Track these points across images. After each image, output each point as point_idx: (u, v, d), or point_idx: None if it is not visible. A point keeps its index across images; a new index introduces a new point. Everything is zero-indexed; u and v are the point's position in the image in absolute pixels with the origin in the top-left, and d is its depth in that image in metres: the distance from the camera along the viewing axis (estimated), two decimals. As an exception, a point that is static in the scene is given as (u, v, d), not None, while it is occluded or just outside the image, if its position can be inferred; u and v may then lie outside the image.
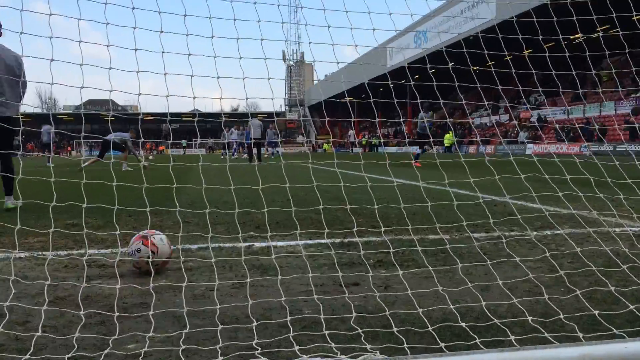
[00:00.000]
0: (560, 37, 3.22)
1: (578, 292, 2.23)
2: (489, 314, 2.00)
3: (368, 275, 2.50)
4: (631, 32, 3.34)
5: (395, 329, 1.87)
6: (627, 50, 3.30)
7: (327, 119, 3.22)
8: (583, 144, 24.13)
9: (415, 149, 15.66)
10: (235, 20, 2.71)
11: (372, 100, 2.88)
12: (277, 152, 28.48)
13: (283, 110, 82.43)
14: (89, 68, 2.44)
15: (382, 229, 3.37)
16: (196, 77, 2.59)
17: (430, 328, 1.87)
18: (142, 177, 2.57)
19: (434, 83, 3.04)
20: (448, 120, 4.74)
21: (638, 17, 3.30)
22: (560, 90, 3.54)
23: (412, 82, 2.93)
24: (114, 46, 2.47)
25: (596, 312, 1.99)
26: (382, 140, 51.73)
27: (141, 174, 2.66)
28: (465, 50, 3.30)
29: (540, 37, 3.20)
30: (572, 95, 32.74)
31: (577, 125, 4.46)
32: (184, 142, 61.64)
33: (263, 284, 2.58)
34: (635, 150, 22.92)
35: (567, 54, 3.21)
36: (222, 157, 28.74)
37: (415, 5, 3.42)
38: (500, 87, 2.97)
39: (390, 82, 3.10)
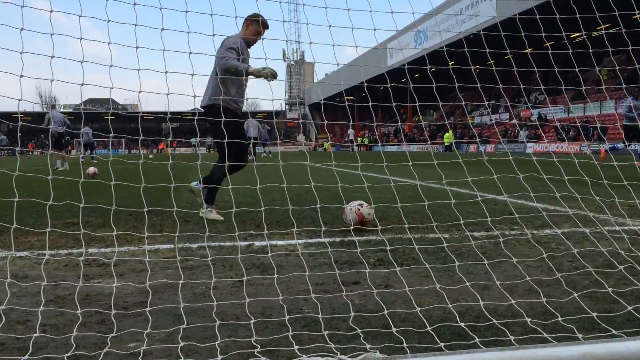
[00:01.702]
0: (564, 34, 3.21)
1: (575, 294, 2.23)
2: (489, 313, 2.00)
3: (368, 274, 2.50)
4: (633, 30, 3.32)
5: (395, 328, 1.87)
6: (630, 48, 3.29)
7: (325, 122, 3.22)
8: (583, 143, 24.08)
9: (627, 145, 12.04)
10: (236, 17, 2.71)
11: (370, 103, 2.87)
12: (269, 150, 28.43)
13: (283, 109, 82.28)
14: (90, 67, 2.44)
15: (380, 228, 3.37)
16: (197, 76, 2.59)
17: (429, 327, 1.87)
18: (141, 176, 2.57)
19: (434, 85, 3.04)
20: (447, 121, 4.74)
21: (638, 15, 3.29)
22: (563, 87, 3.52)
23: (412, 85, 2.92)
24: (115, 44, 2.47)
25: (594, 314, 1.99)
26: (380, 144, 51.54)
27: (139, 172, 2.65)
28: (466, 49, 3.29)
29: (543, 34, 3.19)
30: (573, 94, 32.68)
31: (578, 124, 4.45)
32: (193, 141, 60.39)
33: (263, 282, 2.58)
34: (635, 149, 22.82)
35: (570, 51, 3.20)
36: None
37: (416, 4, 3.41)
38: (501, 86, 2.96)
39: (390, 84, 3.09)
